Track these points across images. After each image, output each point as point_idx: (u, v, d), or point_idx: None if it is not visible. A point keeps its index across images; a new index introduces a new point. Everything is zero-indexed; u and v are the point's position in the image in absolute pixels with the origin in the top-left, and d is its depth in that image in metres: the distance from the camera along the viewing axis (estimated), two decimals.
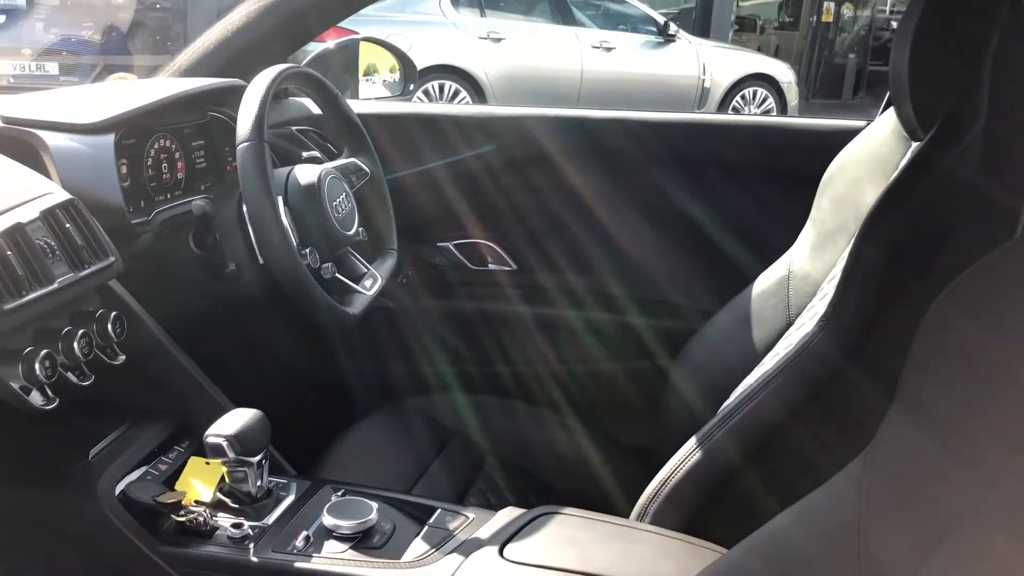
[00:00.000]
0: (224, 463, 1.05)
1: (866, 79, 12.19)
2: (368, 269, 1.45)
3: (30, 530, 1.07)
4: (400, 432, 1.54)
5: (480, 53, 6.92)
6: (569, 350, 1.81)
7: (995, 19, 0.98)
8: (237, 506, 1.07)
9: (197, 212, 1.29)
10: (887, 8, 13.42)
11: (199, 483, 1.08)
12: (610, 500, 1.49)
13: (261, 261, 1.29)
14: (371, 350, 1.78)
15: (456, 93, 6.81)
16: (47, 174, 1.16)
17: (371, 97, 1.93)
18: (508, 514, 1.08)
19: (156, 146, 1.36)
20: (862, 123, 1.63)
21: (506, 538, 1.01)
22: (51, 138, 1.19)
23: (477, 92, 6.89)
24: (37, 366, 0.97)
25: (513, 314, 1.83)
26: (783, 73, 8.20)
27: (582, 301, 1.82)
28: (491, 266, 1.86)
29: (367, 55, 2.00)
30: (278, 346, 1.64)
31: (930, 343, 0.72)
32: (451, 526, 1.07)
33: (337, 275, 1.36)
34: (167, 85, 1.41)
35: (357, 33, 2.27)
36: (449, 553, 1.01)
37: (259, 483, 1.08)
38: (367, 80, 2.04)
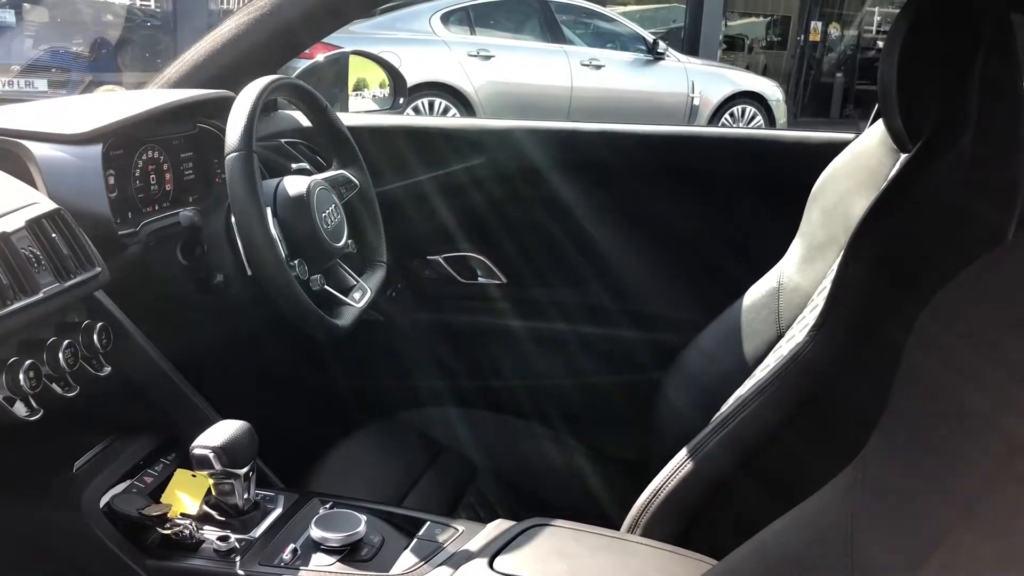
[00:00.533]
0: (210, 475, 1.04)
1: (853, 98, 12.29)
2: (357, 281, 1.44)
3: (13, 544, 1.05)
4: (390, 445, 1.53)
5: (470, 70, 6.95)
6: (559, 363, 1.81)
7: (980, 37, 0.99)
8: (223, 519, 1.06)
9: (185, 223, 1.29)
10: (873, 28, 13.56)
11: (185, 496, 1.07)
12: (601, 513, 1.47)
13: (249, 272, 1.28)
14: (360, 363, 1.77)
15: (446, 110, 6.83)
16: (33, 184, 1.16)
17: (361, 111, 1.93)
18: (498, 526, 1.07)
19: (144, 157, 1.36)
20: (850, 136, 1.63)
21: (496, 550, 1.00)
22: (38, 148, 1.18)
23: (467, 109, 6.91)
24: (21, 376, 0.95)
25: (503, 327, 1.83)
26: (771, 91, 8.26)
27: (572, 314, 1.81)
28: (480, 279, 1.86)
29: (357, 69, 1.99)
30: (266, 358, 1.63)
31: (918, 353, 0.72)
32: (440, 538, 1.06)
33: (326, 287, 1.35)
34: (155, 96, 1.40)
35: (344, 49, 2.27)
36: (438, 565, 1.00)
37: (246, 496, 1.06)
38: (357, 95, 2.04)
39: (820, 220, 1.39)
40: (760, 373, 1.33)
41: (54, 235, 1.05)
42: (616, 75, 7.51)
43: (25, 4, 6.54)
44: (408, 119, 2.13)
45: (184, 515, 1.05)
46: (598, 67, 7.44)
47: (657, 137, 1.80)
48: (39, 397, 0.98)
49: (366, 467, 1.46)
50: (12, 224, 0.99)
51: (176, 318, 1.37)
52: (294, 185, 1.33)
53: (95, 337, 1.08)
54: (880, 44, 13.06)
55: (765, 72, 11.38)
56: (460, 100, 6.89)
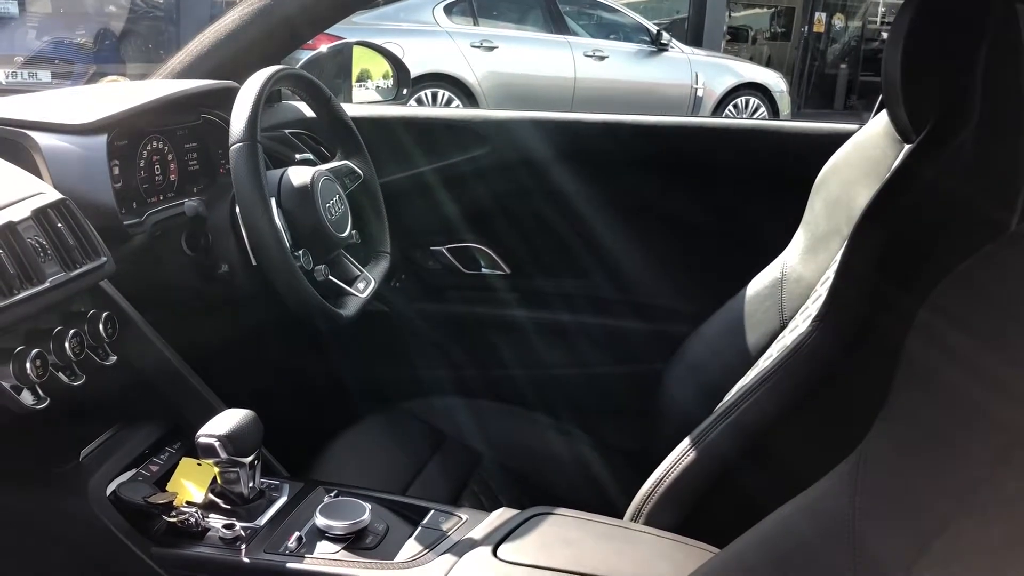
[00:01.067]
0: (216, 464, 1.04)
1: (857, 89, 12.26)
2: (361, 272, 1.45)
3: (20, 531, 1.06)
4: (394, 435, 1.53)
5: (473, 61, 6.94)
6: (562, 353, 1.81)
7: (983, 29, 0.99)
8: (229, 507, 1.07)
9: (189, 213, 1.29)
10: (878, 19, 13.51)
11: (190, 484, 1.08)
12: (604, 501, 1.48)
13: (254, 263, 1.28)
14: (365, 353, 1.78)
15: (449, 101, 6.82)
16: (39, 174, 1.16)
17: (364, 102, 1.93)
18: (501, 515, 1.07)
19: (149, 148, 1.36)
20: (854, 126, 1.63)
21: (499, 538, 1.00)
22: (43, 138, 1.19)
23: (470, 100, 6.90)
24: (28, 365, 0.96)
25: (506, 318, 1.83)
26: (775, 82, 8.24)
27: (575, 305, 1.82)
28: (484, 270, 1.86)
29: (360, 60, 1.99)
30: (271, 348, 1.63)
31: (918, 344, 0.73)
32: (444, 527, 1.06)
33: (330, 277, 1.36)
34: (160, 87, 1.41)
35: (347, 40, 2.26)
36: (442, 554, 1.00)
37: (251, 484, 1.07)
38: (360, 85, 2.04)
39: (823, 211, 1.39)
40: (763, 363, 1.33)
41: (60, 225, 1.06)
42: (619, 66, 7.49)
43: None
44: (411, 110, 2.13)
45: (190, 503, 1.06)
46: (601, 58, 7.42)
47: (660, 128, 1.80)
48: (46, 386, 0.99)
49: (370, 456, 1.47)
50: (18, 214, 1.00)
51: (181, 308, 1.37)
52: (298, 175, 1.34)
53: (101, 326, 1.09)
54: (885, 35, 13.02)
55: (769, 63, 11.36)
56: (463, 91, 6.89)
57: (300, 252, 1.30)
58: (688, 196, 1.75)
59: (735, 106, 7.95)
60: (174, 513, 1.03)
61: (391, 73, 2.04)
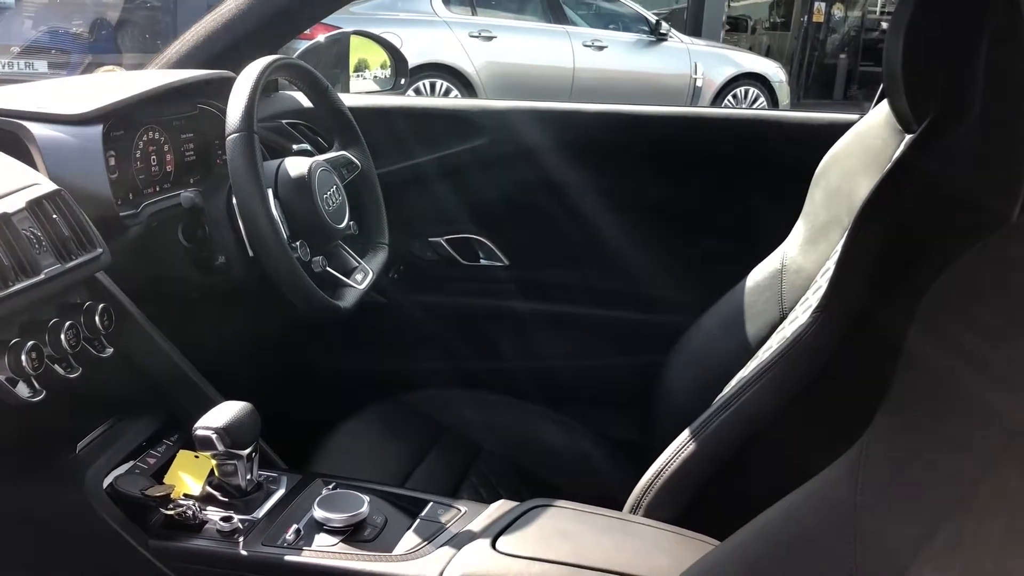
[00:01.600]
0: (213, 456, 1.04)
1: (857, 79, 12.23)
2: (359, 263, 1.44)
3: (16, 524, 1.05)
4: (392, 427, 1.53)
5: (471, 51, 6.91)
6: (561, 345, 1.81)
7: (984, 19, 0.98)
8: (227, 500, 1.06)
9: (186, 204, 1.28)
10: (877, 8, 13.47)
11: (188, 477, 1.07)
12: (603, 494, 1.47)
13: (251, 254, 1.28)
14: (363, 345, 1.77)
15: (447, 91, 6.79)
16: (34, 165, 1.15)
17: (362, 91, 1.92)
18: (500, 507, 1.07)
19: (145, 138, 1.35)
20: (854, 116, 1.62)
21: (498, 531, 1.00)
22: (38, 129, 1.18)
23: (468, 90, 6.88)
24: (24, 358, 0.95)
25: (505, 309, 1.82)
26: (774, 72, 8.22)
27: (574, 296, 1.81)
28: (483, 261, 1.86)
29: (358, 49, 1.98)
30: (268, 339, 1.63)
31: (920, 338, 0.72)
32: (443, 519, 1.06)
33: (328, 268, 1.35)
34: (156, 77, 1.40)
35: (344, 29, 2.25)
36: (441, 546, 1.00)
37: (249, 476, 1.07)
38: (358, 75, 2.02)
39: (823, 201, 1.38)
40: (763, 355, 1.33)
41: (55, 216, 1.05)
42: (618, 56, 7.47)
43: None
44: (409, 100, 2.12)
45: (187, 496, 1.05)
46: (600, 48, 7.39)
47: (660, 118, 1.79)
48: (41, 378, 0.98)
49: (369, 448, 1.46)
50: (13, 205, 0.99)
51: (178, 299, 1.37)
52: (295, 166, 1.33)
53: (97, 318, 1.08)
54: (884, 25, 12.99)
55: (768, 53, 11.32)
56: (461, 81, 6.86)
57: (297, 243, 1.29)
58: (687, 186, 1.74)
59: (734, 96, 7.93)
60: (171, 506, 1.03)
61: (389, 63, 2.03)
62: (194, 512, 1.03)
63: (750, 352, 1.38)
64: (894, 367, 1.03)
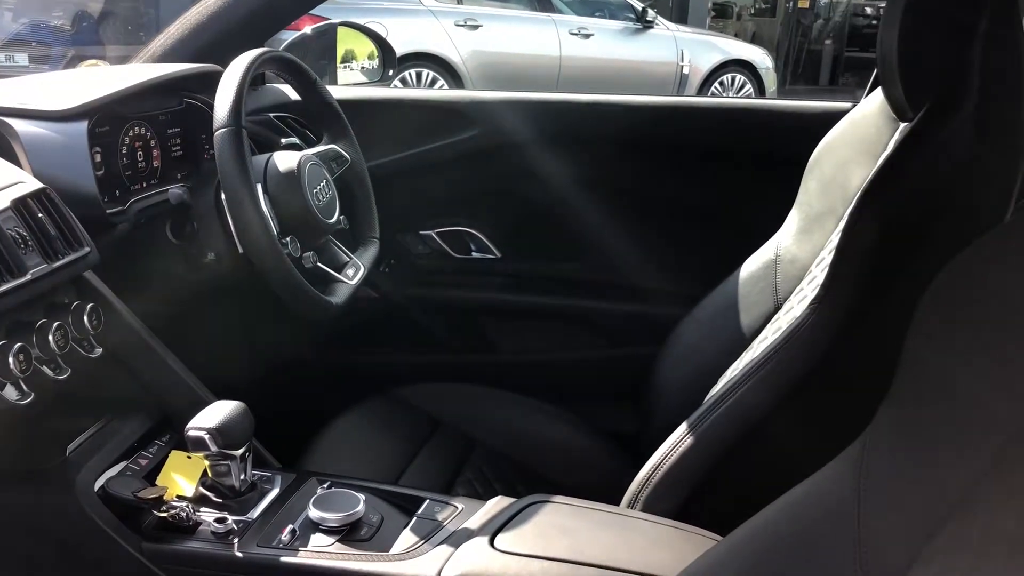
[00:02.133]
0: (206, 457, 1.03)
1: (843, 65, 12.24)
2: (350, 258, 1.43)
3: (6, 529, 1.04)
4: (385, 422, 1.52)
5: (457, 40, 6.87)
6: (555, 337, 1.80)
7: (981, 6, 0.97)
8: (220, 500, 1.05)
9: (174, 201, 1.26)
10: None
11: (181, 478, 1.06)
12: (599, 487, 1.47)
13: (241, 250, 1.26)
14: (354, 339, 1.76)
15: (433, 81, 6.75)
16: (18, 163, 1.13)
17: (349, 83, 1.90)
18: (497, 504, 1.06)
19: (131, 134, 1.33)
20: (847, 105, 1.62)
21: (496, 528, 0.99)
22: (21, 126, 1.16)
23: (455, 80, 6.84)
24: (11, 360, 0.94)
25: (497, 302, 1.81)
26: (761, 59, 8.21)
27: (567, 288, 1.80)
28: (475, 254, 1.84)
29: (344, 40, 1.96)
30: (258, 336, 1.61)
31: (920, 338, 0.71)
32: (440, 517, 1.05)
33: (319, 264, 1.33)
34: (141, 71, 1.38)
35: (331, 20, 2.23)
36: (438, 544, 0.99)
37: (243, 477, 1.05)
38: (345, 66, 2.00)
39: (817, 191, 1.38)
40: (758, 346, 1.32)
41: (40, 215, 1.03)
42: (605, 44, 7.44)
43: None
44: (398, 92, 2.10)
45: (180, 497, 1.04)
46: (587, 36, 7.37)
47: (651, 108, 1.78)
48: (30, 381, 0.97)
49: (362, 444, 1.45)
50: None
51: (166, 297, 1.35)
52: (284, 161, 1.31)
53: (85, 318, 1.07)
54: (869, 10, 13.01)
55: (754, 40, 11.31)
56: (447, 71, 6.82)
57: (287, 239, 1.28)
58: (679, 177, 1.73)
59: (721, 83, 7.92)
60: (164, 508, 1.01)
61: (376, 53, 2.01)
62: (188, 514, 1.01)
63: (745, 343, 1.38)
64: (892, 359, 1.03)
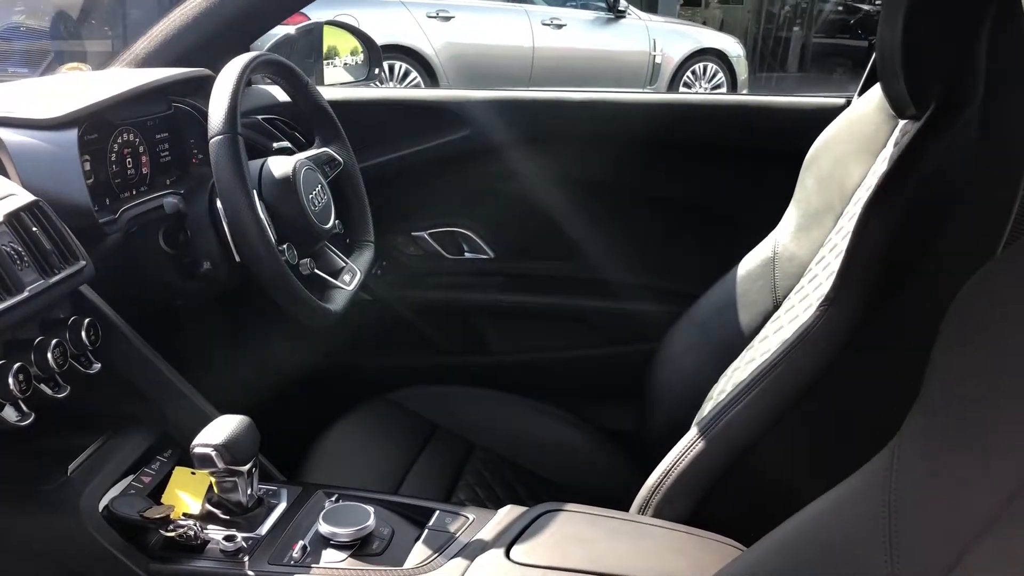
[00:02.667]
0: (213, 474, 1.00)
1: (811, 52, 12.32)
2: (346, 263, 1.40)
3: (9, 554, 1.01)
4: (383, 428, 1.50)
5: (430, 32, 6.82)
6: (550, 337, 1.79)
7: (986, 6, 0.97)
8: (228, 517, 1.03)
9: (169, 210, 1.24)
10: None
11: (186, 495, 1.04)
12: (600, 487, 1.47)
13: (238, 259, 1.24)
14: (348, 344, 1.74)
15: (406, 74, 6.70)
16: (6, 174, 1.10)
17: (336, 83, 1.87)
18: (509, 513, 1.05)
19: (119, 140, 1.30)
20: (841, 100, 1.62)
21: (511, 539, 0.98)
22: (8, 135, 1.13)
23: (427, 72, 6.79)
24: (11, 380, 0.91)
25: (491, 302, 1.80)
26: (732, 47, 8.22)
27: (562, 287, 1.79)
28: (467, 255, 1.83)
29: (327, 37, 1.94)
30: (253, 345, 1.59)
31: (946, 344, 0.71)
32: (451, 528, 1.04)
33: (316, 271, 1.31)
34: (129, 76, 1.34)
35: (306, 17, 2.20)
36: (453, 557, 0.98)
37: (250, 492, 1.03)
38: (328, 64, 1.98)
39: (815, 188, 1.37)
40: (759, 344, 1.32)
41: (35, 229, 1.01)
42: (578, 34, 7.41)
43: None
44: (389, 92, 2.08)
45: (187, 515, 1.02)
46: (559, 26, 7.34)
47: (645, 105, 1.77)
48: (29, 400, 0.94)
49: (361, 452, 1.43)
50: None
51: (160, 307, 1.32)
52: (279, 166, 1.29)
53: (83, 333, 1.04)
54: None
55: (722, 27, 11.34)
56: (420, 63, 6.77)
57: (284, 246, 1.25)
58: (674, 174, 1.72)
59: (693, 72, 7.92)
60: (172, 527, 0.99)
61: (360, 49, 1.98)
62: (195, 532, 0.99)
63: (744, 341, 1.37)
64: (903, 357, 1.03)
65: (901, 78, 1.05)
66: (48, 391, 0.99)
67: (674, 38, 7.91)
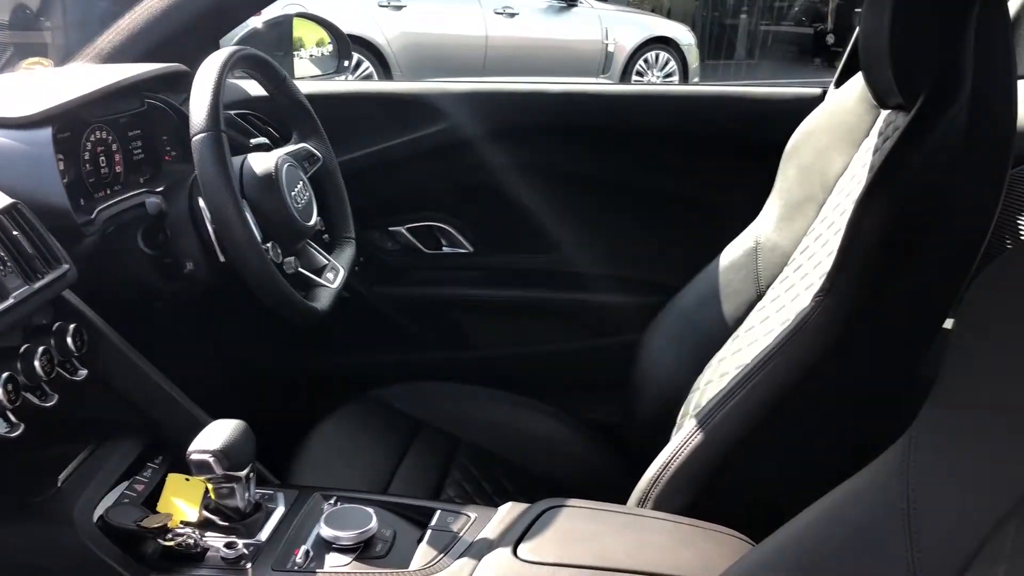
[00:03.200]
0: (210, 480, 0.98)
1: (759, 39, 12.45)
2: (328, 260, 1.39)
3: (3, 567, 0.98)
4: (367, 427, 1.48)
5: (381, 22, 6.75)
6: (532, 330, 1.78)
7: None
8: (226, 524, 1.01)
9: (152, 211, 1.20)
10: None
11: (182, 502, 1.01)
12: (584, 478, 1.47)
13: (222, 259, 1.21)
14: (328, 342, 1.71)
15: (358, 64, 6.62)
16: None
17: (307, 75, 1.84)
18: (511, 511, 1.04)
19: (92, 138, 1.26)
20: (817, 91, 1.64)
21: (516, 537, 0.97)
22: None
23: (380, 62, 6.72)
24: (0, 392, 0.88)
25: (471, 296, 1.79)
26: (683, 35, 8.28)
27: (542, 280, 1.79)
28: (446, 249, 1.81)
29: (297, 31, 1.90)
30: (235, 345, 1.56)
31: (963, 334, 0.72)
32: (454, 528, 1.03)
33: (300, 270, 1.29)
34: (104, 73, 1.30)
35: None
36: (459, 557, 0.97)
37: (248, 497, 1.01)
38: (295, 55, 1.94)
39: (797, 178, 1.39)
40: (744, 335, 1.33)
41: (15, 233, 0.97)
42: (530, 23, 7.40)
43: None
44: (365, 85, 2.05)
45: (185, 523, 1.00)
46: (512, 15, 7.31)
47: (624, 97, 1.77)
48: (18, 411, 0.91)
49: (348, 451, 1.42)
50: None
51: (141, 309, 1.29)
52: (260, 163, 1.26)
53: (69, 340, 1.01)
54: None
55: (670, 15, 11.40)
56: (373, 53, 6.69)
57: (268, 245, 1.23)
58: (655, 165, 1.72)
59: (645, 61, 7.96)
60: (170, 535, 0.96)
61: (326, 40, 1.95)
62: (195, 540, 0.97)
63: (729, 331, 1.39)
64: (900, 344, 1.04)
65: (888, 67, 1.06)
66: (36, 400, 0.96)
67: (626, 26, 7.94)
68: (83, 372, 1.04)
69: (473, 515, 1.05)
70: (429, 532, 1.02)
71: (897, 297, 1.02)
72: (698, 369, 1.37)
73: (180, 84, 1.38)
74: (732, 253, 1.44)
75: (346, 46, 1.92)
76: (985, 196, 1.00)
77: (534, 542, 0.97)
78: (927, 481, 0.70)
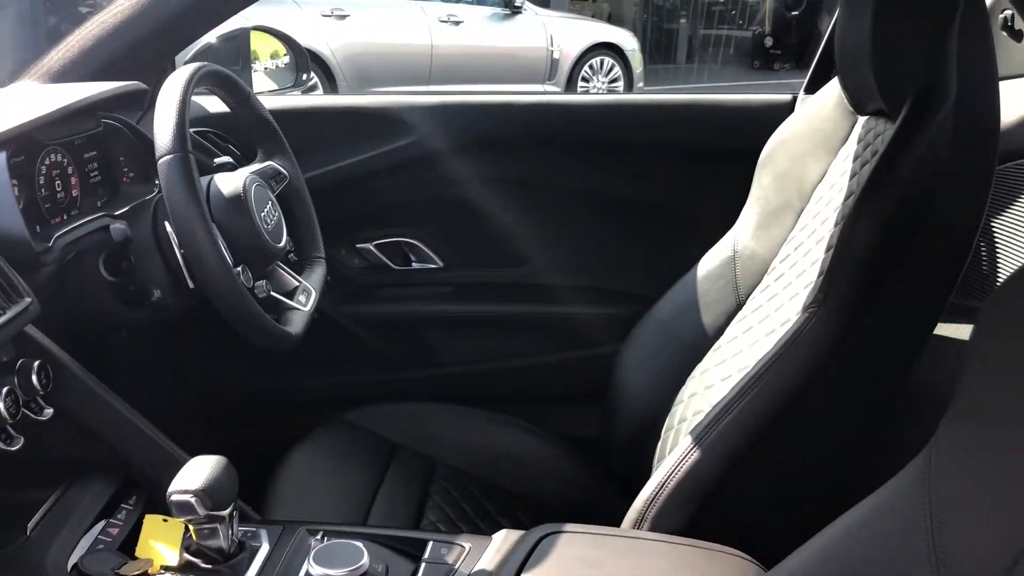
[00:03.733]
0: (191, 521, 0.93)
1: (698, 43, 12.61)
2: (299, 282, 1.34)
3: None
4: (342, 452, 1.44)
5: (325, 32, 6.66)
6: (505, 345, 1.75)
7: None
8: (209, 566, 0.95)
9: (117, 237, 1.15)
10: None
11: (162, 545, 0.96)
12: (563, 494, 1.44)
13: (191, 285, 1.16)
14: (296, 365, 1.66)
15: None
16: None
17: (265, 90, 1.79)
18: (506, 539, 1.01)
19: (47, 162, 1.20)
20: (787, 97, 1.64)
21: (516, 568, 0.94)
22: None
23: (325, 73, 6.63)
24: None
25: (443, 313, 1.75)
26: (627, 41, 8.33)
27: (515, 294, 1.75)
28: (415, 264, 1.77)
29: (255, 45, 1.85)
30: (201, 372, 1.50)
31: (986, 341, 0.71)
32: (449, 559, 0.99)
33: (272, 293, 1.25)
34: (58, 92, 1.24)
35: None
36: None
37: (231, 536, 0.96)
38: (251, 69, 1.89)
39: (773, 185, 1.38)
40: (726, 345, 1.32)
41: None
42: (475, 31, 7.37)
43: None
44: (329, 99, 2.00)
45: (165, 568, 0.94)
46: (457, 23, 7.28)
47: (595, 108, 1.75)
48: None
49: (324, 479, 1.37)
50: None
51: (104, 340, 1.23)
52: (227, 183, 1.21)
53: (34, 377, 0.95)
54: None
55: (610, 20, 11.49)
56: (317, 63, 6.59)
57: (239, 269, 1.18)
58: (626, 175, 1.70)
59: (591, 67, 7.99)
60: None
61: (281, 52, 1.90)
62: None
63: (709, 341, 1.37)
64: (895, 354, 1.03)
65: (869, 73, 1.05)
66: (1, 445, 0.90)
67: (570, 33, 7.95)
68: (48, 411, 0.98)
69: (467, 545, 1.01)
70: (424, 566, 0.99)
71: (891, 303, 1.01)
72: (678, 381, 1.35)
73: (138, 102, 1.32)
74: (709, 262, 1.43)
75: (304, 59, 1.87)
76: (973, 199, 1.00)
77: (535, 572, 0.94)
78: (951, 497, 0.68)
